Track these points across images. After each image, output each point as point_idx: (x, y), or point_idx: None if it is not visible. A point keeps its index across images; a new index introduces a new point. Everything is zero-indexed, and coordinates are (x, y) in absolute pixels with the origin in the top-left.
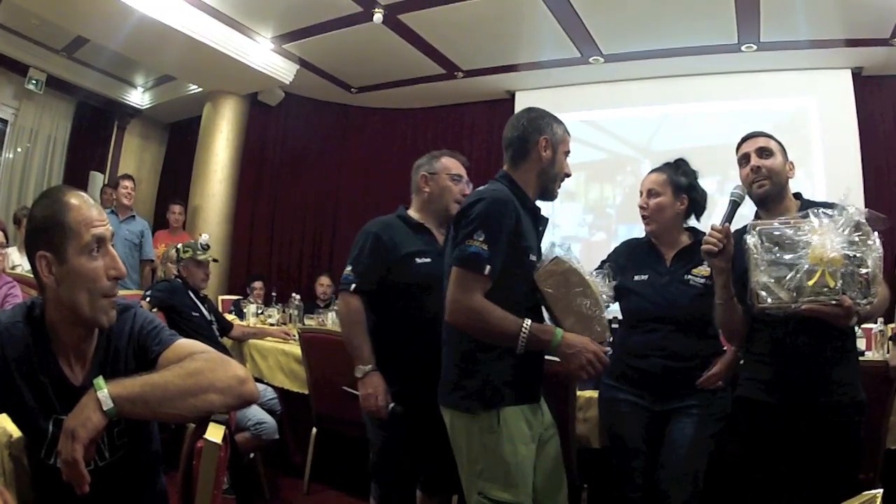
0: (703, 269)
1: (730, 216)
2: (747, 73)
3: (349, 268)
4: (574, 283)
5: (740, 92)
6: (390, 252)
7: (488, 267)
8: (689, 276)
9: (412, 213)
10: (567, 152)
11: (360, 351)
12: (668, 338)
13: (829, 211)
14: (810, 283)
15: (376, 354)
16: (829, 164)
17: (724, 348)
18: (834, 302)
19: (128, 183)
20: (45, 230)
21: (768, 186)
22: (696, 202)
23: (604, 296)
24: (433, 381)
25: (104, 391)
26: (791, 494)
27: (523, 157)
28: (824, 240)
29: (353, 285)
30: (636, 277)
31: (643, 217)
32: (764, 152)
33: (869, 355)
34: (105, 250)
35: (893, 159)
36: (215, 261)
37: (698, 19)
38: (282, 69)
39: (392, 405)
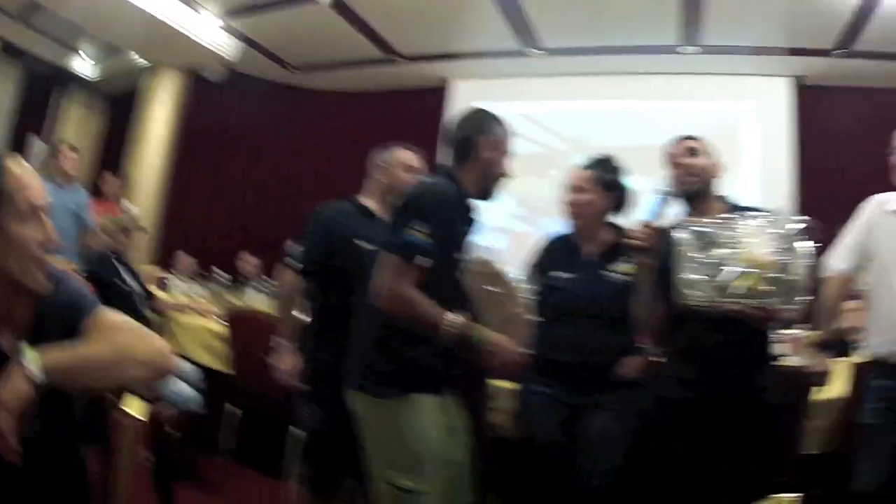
0: (624, 266)
1: (657, 212)
2: (687, 75)
3: (297, 246)
4: (500, 286)
5: (679, 93)
6: (338, 235)
7: (425, 258)
8: (610, 272)
9: (365, 199)
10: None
11: (284, 326)
12: (587, 333)
13: (763, 215)
14: (738, 284)
15: (322, 335)
16: (763, 171)
17: (644, 345)
18: (760, 305)
19: (74, 154)
20: None
21: (696, 184)
22: (622, 199)
23: (526, 298)
24: None
25: (33, 361)
26: (709, 495)
27: (466, 157)
28: (757, 242)
29: (299, 264)
30: (557, 273)
31: (568, 213)
32: (693, 152)
33: (789, 359)
34: (39, 219)
35: (830, 169)
36: (144, 230)
37: (641, 18)
38: (227, 46)
39: (303, 386)
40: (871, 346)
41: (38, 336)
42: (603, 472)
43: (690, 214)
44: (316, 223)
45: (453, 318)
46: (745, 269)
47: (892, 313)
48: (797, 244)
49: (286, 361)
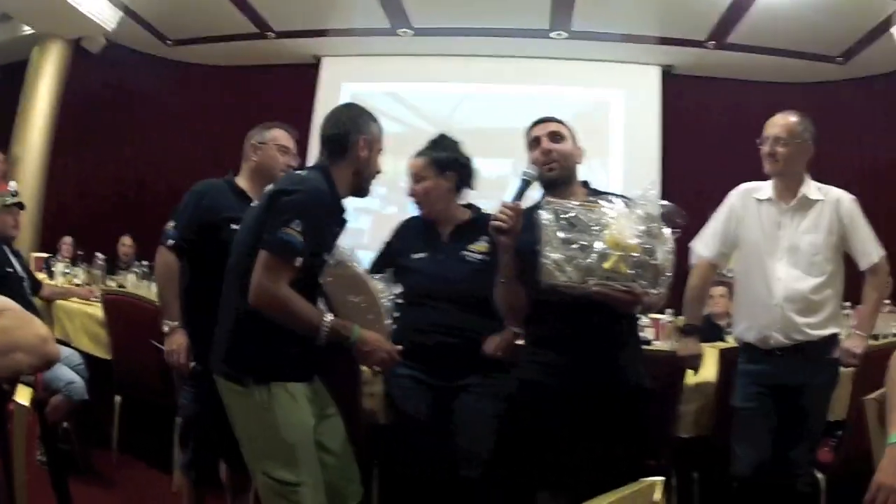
0: (481, 246)
1: (520, 194)
2: (556, 60)
3: (171, 223)
4: (356, 288)
5: (547, 78)
6: (210, 213)
7: (300, 258)
8: (466, 252)
9: (240, 180)
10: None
11: (169, 307)
12: (446, 314)
13: (628, 199)
14: (605, 266)
15: (188, 314)
16: (628, 158)
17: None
18: (624, 288)
19: None
20: None
21: (558, 170)
22: (463, 174)
23: (386, 301)
24: None
25: None
26: (577, 477)
27: (341, 155)
28: (622, 225)
29: (171, 241)
30: (414, 255)
31: (415, 203)
32: (555, 136)
33: (658, 345)
34: None
35: (695, 158)
36: (21, 206)
37: (513, 2)
38: (107, 15)
39: (193, 364)
40: (739, 332)
41: None
42: (477, 456)
43: (553, 197)
44: (189, 199)
45: (329, 319)
46: (609, 252)
47: (757, 299)
48: (661, 229)
49: (175, 341)
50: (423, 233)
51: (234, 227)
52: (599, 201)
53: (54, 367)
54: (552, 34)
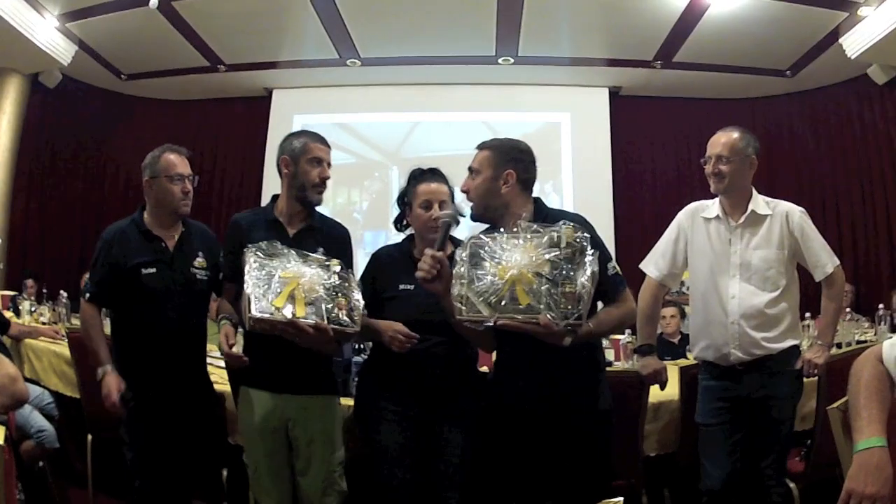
0: None
1: (442, 241)
2: (503, 86)
3: (87, 275)
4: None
5: (495, 104)
6: (120, 263)
7: None
8: None
9: (146, 216)
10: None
11: (97, 355)
12: (431, 346)
13: (538, 226)
14: (501, 298)
15: (119, 361)
16: (579, 179)
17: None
18: (530, 319)
19: None
20: None
21: (478, 210)
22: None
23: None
24: (177, 389)
25: None
26: (545, 499)
27: (281, 178)
28: (521, 255)
29: (88, 294)
30: (401, 286)
31: (431, 229)
32: (471, 171)
33: (618, 365)
34: None
35: (644, 176)
36: None
37: (458, 29)
38: (62, 49)
39: (122, 393)
40: (698, 351)
41: None
42: (456, 481)
43: (489, 230)
44: (99, 251)
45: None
46: (503, 283)
47: (713, 318)
48: (579, 257)
49: (107, 384)
50: (408, 263)
51: (143, 271)
52: (511, 231)
53: (26, 413)
54: (499, 60)
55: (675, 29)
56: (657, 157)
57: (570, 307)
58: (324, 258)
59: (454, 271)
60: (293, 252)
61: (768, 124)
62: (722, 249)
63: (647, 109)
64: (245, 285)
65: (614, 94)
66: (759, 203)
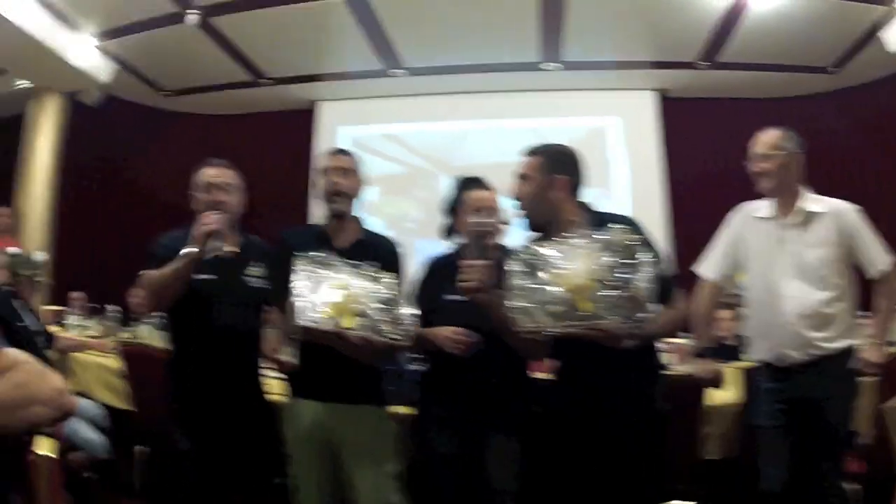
0: None
1: (479, 250)
2: (549, 92)
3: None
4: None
5: (541, 110)
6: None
7: None
8: None
9: None
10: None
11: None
12: (481, 353)
13: (596, 233)
14: (554, 309)
15: (173, 365)
16: (630, 182)
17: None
18: (594, 325)
19: None
20: None
21: (528, 217)
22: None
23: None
24: (228, 393)
25: None
26: None
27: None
28: (575, 265)
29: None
30: (449, 297)
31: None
32: (521, 179)
33: (678, 368)
34: None
35: (696, 175)
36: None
37: (501, 36)
38: (101, 68)
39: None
40: (755, 352)
41: None
42: (508, 491)
43: (540, 239)
44: (158, 251)
45: None
46: (568, 291)
47: (769, 318)
48: (636, 256)
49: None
50: (457, 272)
51: (196, 276)
52: (567, 239)
53: (74, 425)
54: (544, 65)
55: (717, 28)
56: (707, 158)
57: (629, 310)
58: (374, 271)
59: (509, 282)
60: (343, 263)
61: (813, 122)
62: (776, 249)
63: (695, 111)
64: (294, 293)
65: (662, 97)
66: (810, 201)
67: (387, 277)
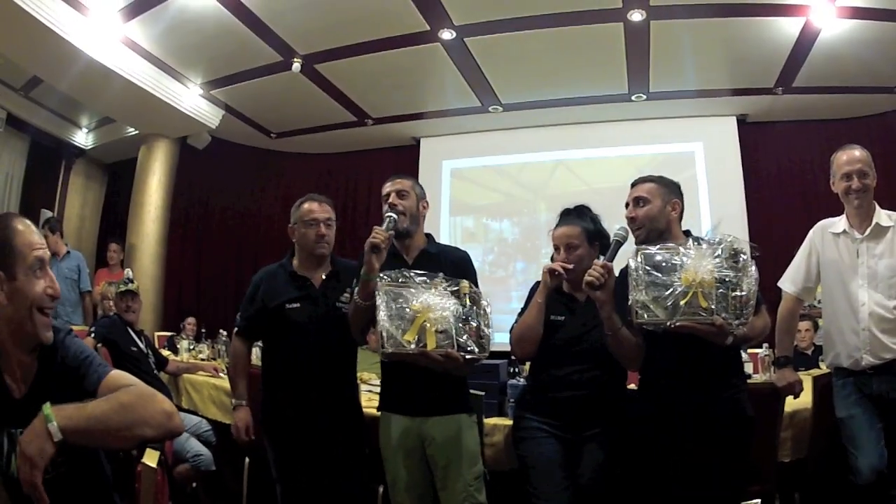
0: None
1: (612, 254)
2: (637, 121)
3: (239, 312)
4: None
5: (630, 138)
6: (268, 300)
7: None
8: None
9: (294, 260)
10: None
11: (235, 386)
12: (581, 370)
13: (705, 238)
14: (683, 302)
15: (267, 387)
16: (715, 204)
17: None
18: (707, 320)
19: (45, 233)
20: None
21: (642, 234)
22: (605, 245)
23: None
24: (322, 414)
25: (54, 423)
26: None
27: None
28: (697, 263)
29: (237, 329)
30: (552, 317)
31: (565, 270)
32: (638, 202)
33: (756, 377)
34: (44, 271)
35: (776, 197)
36: (133, 293)
37: (591, 71)
38: (209, 114)
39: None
40: (832, 358)
41: (47, 384)
42: (600, 499)
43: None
44: (250, 290)
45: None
46: (689, 289)
47: (845, 326)
48: (744, 262)
49: (239, 417)
50: (560, 297)
51: (288, 306)
52: (683, 244)
53: (182, 439)
54: (633, 97)
55: (791, 55)
56: (784, 179)
57: (738, 310)
58: (453, 283)
59: (630, 279)
60: (419, 279)
61: (884, 140)
62: (850, 261)
63: (773, 134)
64: (378, 319)
65: (741, 122)
66: (882, 216)
67: (467, 288)
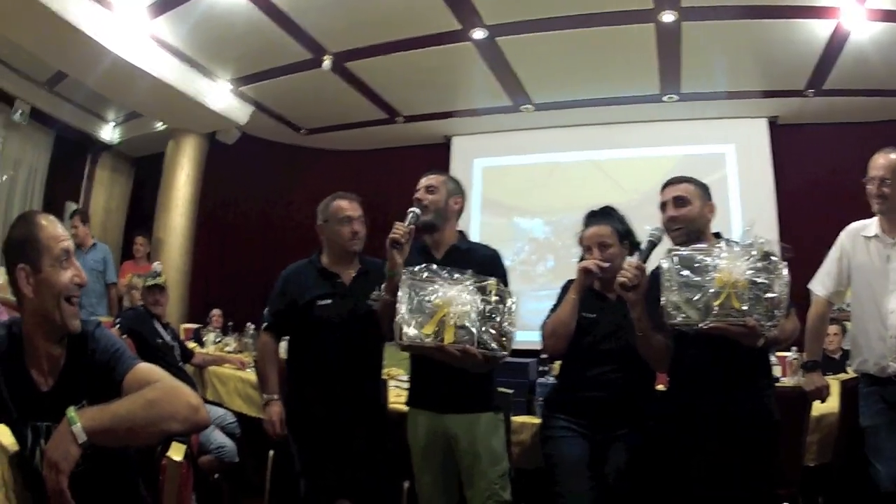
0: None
1: (646, 254)
2: (669, 122)
3: (267, 307)
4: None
5: (662, 139)
6: (297, 296)
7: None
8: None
9: (323, 256)
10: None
11: (265, 381)
12: (610, 370)
13: (738, 239)
14: (717, 303)
15: (292, 382)
16: (745, 206)
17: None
18: (739, 321)
19: (76, 223)
20: (22, 246)
21: (682, 235)
22: (633, 244)
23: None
24: (346, 409)
25: (78, 425)
26: None
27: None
28: (731, 265)
29: (265, 324)
30: (584, 314)
31: (600, 268)
32: (679, 201)
33: (784, 381)
34: (70, 261)
35: (807, 200)
36: (161, 287)
37: (623, 71)
38: (238, 110)
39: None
40: (858, 364)
41: (75, 377)
42: (626, 498)
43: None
44: (277, 285)
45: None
46: (722, 290)
47: (873, 332)
48: (776, 264)
49: (271, 412)
50: (592, 297)
51: (319, 303)
52: (716, 245)
53: (208, 431)
54: (664, 98)
55: (822, 57)
56: (816, 181)
57: (770, 312)
58: (475, 280)
59: (662, 279)
60: (444, 273)
61: None
62: (881, 266)
63: (804, 136)
64: (398, 309)
65: (773, 124)
66: None
67: (494, 285)
